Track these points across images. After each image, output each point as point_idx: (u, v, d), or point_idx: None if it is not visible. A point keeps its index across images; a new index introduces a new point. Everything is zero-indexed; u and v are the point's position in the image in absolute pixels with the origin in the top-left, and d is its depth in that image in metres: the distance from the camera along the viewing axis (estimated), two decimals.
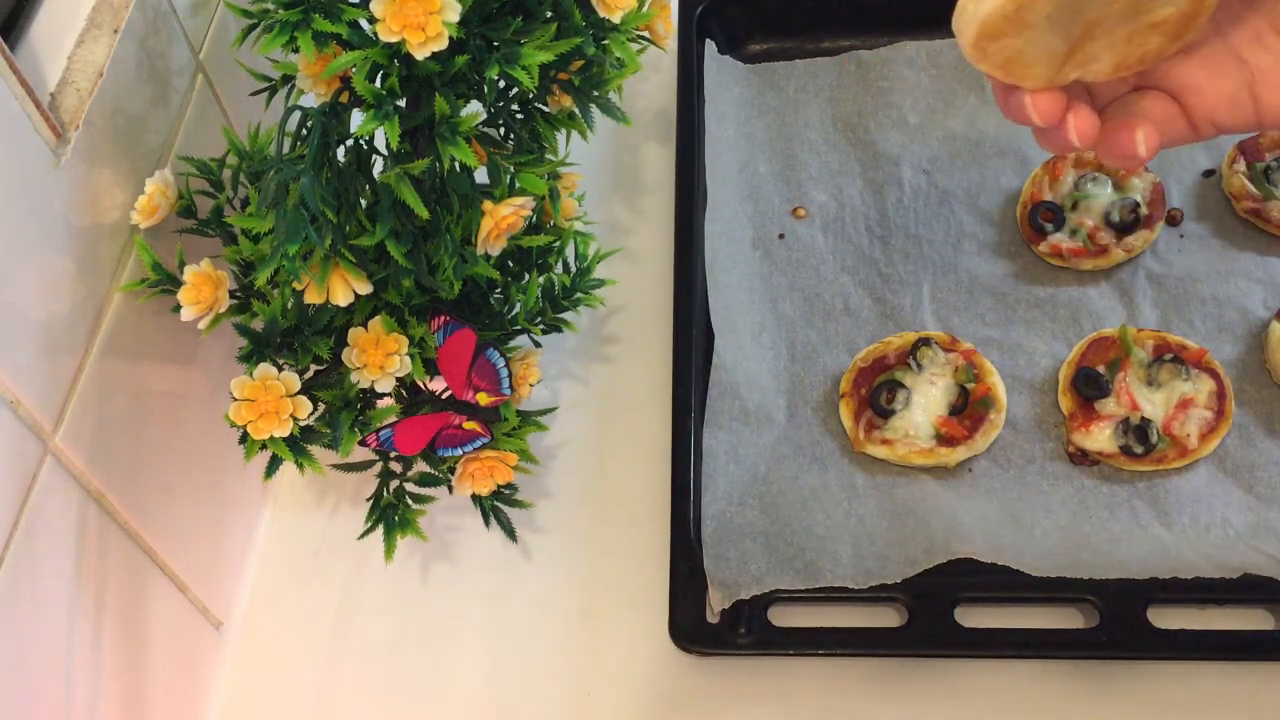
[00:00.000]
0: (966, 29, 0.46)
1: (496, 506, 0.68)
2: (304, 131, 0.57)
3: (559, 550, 0.76)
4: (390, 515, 0.67)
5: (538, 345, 0.70)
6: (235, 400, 0.59)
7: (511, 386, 0.64)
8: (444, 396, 0.66)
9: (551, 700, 0.71)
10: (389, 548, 0.66)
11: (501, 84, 0.60)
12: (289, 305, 0.61)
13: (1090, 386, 0.75)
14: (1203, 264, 0.81)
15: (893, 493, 0.74)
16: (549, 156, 0.63)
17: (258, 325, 0.61)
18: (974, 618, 0.69)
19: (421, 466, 0.68)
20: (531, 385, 0.67)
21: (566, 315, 0.72)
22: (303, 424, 0.60)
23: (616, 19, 0.58)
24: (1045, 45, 0.46)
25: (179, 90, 0.66)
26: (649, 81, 0.95)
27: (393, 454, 0.66)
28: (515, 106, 0.62)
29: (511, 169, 0.60)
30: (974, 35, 0.45)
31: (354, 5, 0.54)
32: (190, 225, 0.63)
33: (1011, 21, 0.44)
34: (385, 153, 0.57)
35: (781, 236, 0.85)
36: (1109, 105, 0.51)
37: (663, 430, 0.76)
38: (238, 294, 0.63)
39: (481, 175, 0.60)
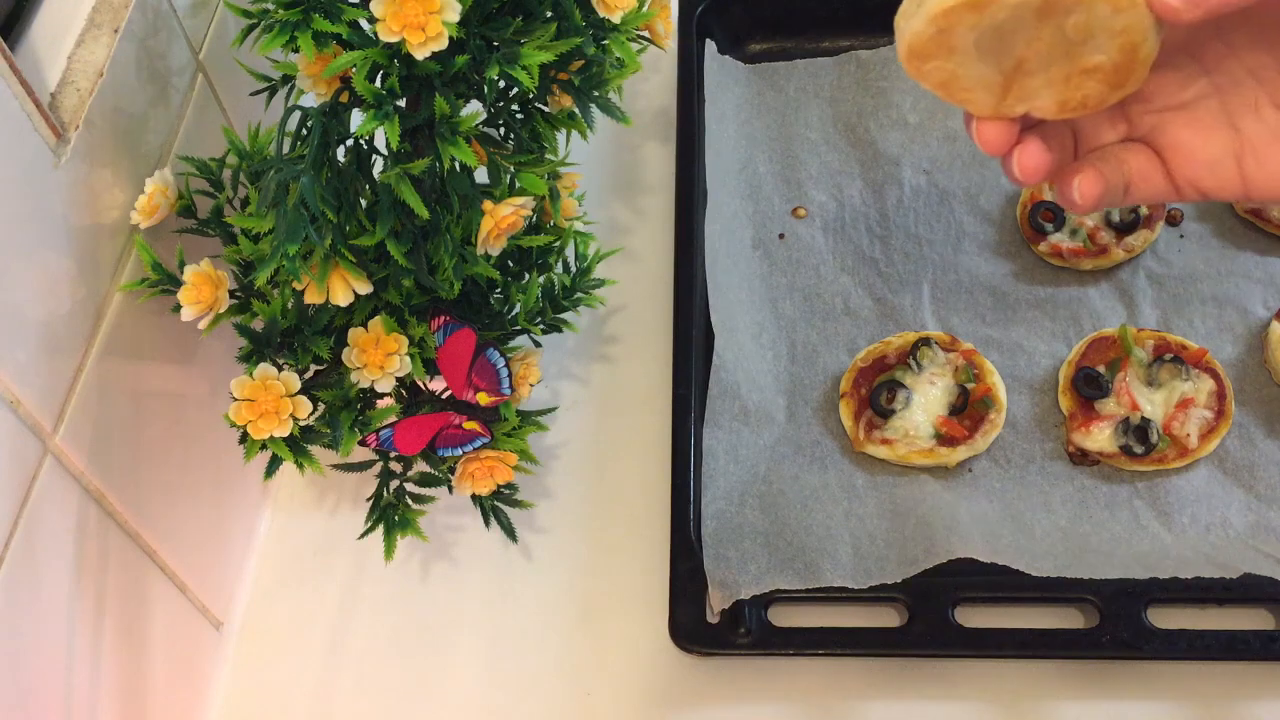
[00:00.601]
0: (899, 46, 0.46)
1: (496, 506, 0.68)
2: (304, 131, 0.57)
3: (559, 550, 0.76)
4: (390, 515, 0.67)
5: (538, 345, 0.70)
6: (235, 400, 0.59)
7: (511, 386, 0.64)
8: (444, 396, 0.66)
9: (551, 700, 0.71)
10: (389, 548, 0.66)
11: (501, 84, 0.60)
12: (289, 305, 0.61)
13: (1090, 386, 0.75)
14: (1203, 264, 0.81)
15: (893, 493, 0.74)
16: (549, 156, 0.63)
17: (258, 325, 0.61)
18: (973, 618, 0.69)
19: (421, 466, 0.68)
20: (531, 385, 0.67)
21: (566, 315, 0.72)
22: (303, 424, 0.60)
23: (616, 19, 0.58)
24: (977, 72, 0.46)
25: (179, 90, 0.66)
26: (649, 81, 0.95)
27: (393, 454, 0.66)
28: (515, 106, 0.62)
29: (511, 169, 0.60)
30: (905, 53, 0.46)
31: (354, 5, 0.54)
32: (190, 225, 0.63)
33: (938, 44, 0.45)
34: (385, 153, 0.57)
35: (782, 236, 0.85)
36: (1093, 150, 0.50)
37: (663, 430, 0.76)
38: (238, 294, 0.63)
39: (481, 175, 0.60)
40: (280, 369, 0.60)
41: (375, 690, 0.72)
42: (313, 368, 0.63)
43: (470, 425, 0.63)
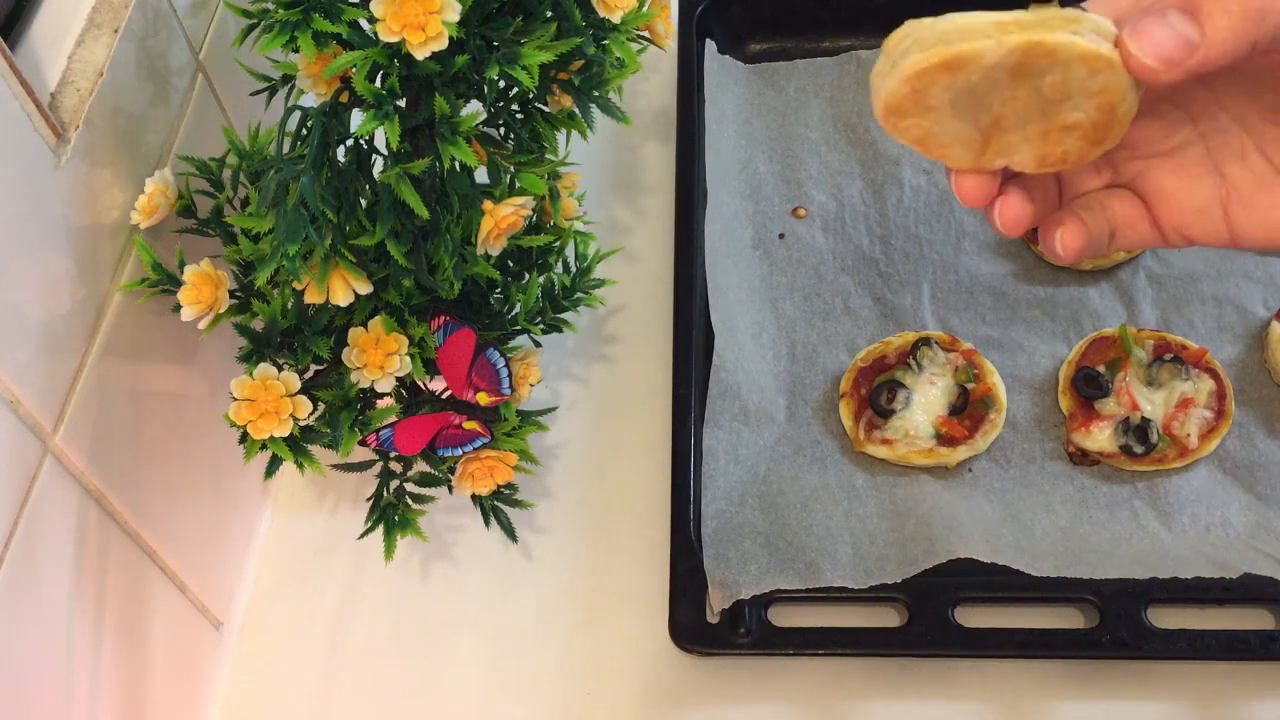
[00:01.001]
0: (874, 103, 0.46)
1: (496, 506, 0.68)
2: (304, 131, 0.57)
3: (559, 550, 0.76)
4: (390, 515, 0.67)
5: (538, 345, 0.70)
6: (235, 400, 0.59)
7: (511, 386, 0.64)
8: (444, 396, 0.66)
9: (551, 700, 0.71)
10: (389, 548, 0.66)
11: (501, 84, 0.60)
12: (289, 305, 0.61)
13: (1090, 386, 0.75)
14: (1202, 264, 0.81)
15: (893, 493, 0.74)
16: (549, 156, 0.63)
17: (258, 325, 0.61)
18: (973, 618, 0.69)
19: (421, 466, 0.68)
20: (531, 385, 0.67)
21: (566, 315, 0.72)
22: (303, 424, 0.60)
23: (616, 19, 0.58)
24: (955, 130, 0.45)
25: (179, 90, 0.66)
26: (649, 81, 0.95)
27: (393, 454, 0.66)
28: (515, 106, 0.62)
29: (511, 169, 0.60)
30: (881, 111, 0.46)
31: (354, 5, 0.54)
32: (190, 225, 0.63)
33: (913, 102, 0.44)
34: (385, 153, 0.57)
35: (782, 236, 0.85)
36: (1078, 197, 0.50)
37: (663, 430, 0.76)
38: (238, 294, 0.63)
39: (481, 175, 0.60)
40: (280, 369, 0.60)
41: (375, 690, 0.72)
42: (313, 368, 0.63)
43: (470, 425, 0.63)
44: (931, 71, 0.43)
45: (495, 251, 0.60)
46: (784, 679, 0.70)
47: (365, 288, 0.59)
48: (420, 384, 0.67)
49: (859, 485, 0.75)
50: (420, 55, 0.51)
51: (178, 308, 0.59)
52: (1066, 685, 0.69)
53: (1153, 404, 0.74)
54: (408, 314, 0.63)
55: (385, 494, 0.67)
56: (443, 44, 0.51)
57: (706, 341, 0.78)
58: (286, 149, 0.57)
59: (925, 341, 0.77)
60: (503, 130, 0.62)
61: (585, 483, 0.79)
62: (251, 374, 0.59)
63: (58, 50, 0.57)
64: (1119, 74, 0.43)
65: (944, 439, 0.74)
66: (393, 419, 0.63)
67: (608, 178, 0.91)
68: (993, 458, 0.75)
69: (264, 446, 0.60)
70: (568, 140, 0.66)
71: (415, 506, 0.68)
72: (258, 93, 0.63)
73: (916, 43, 0.43)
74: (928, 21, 0.44)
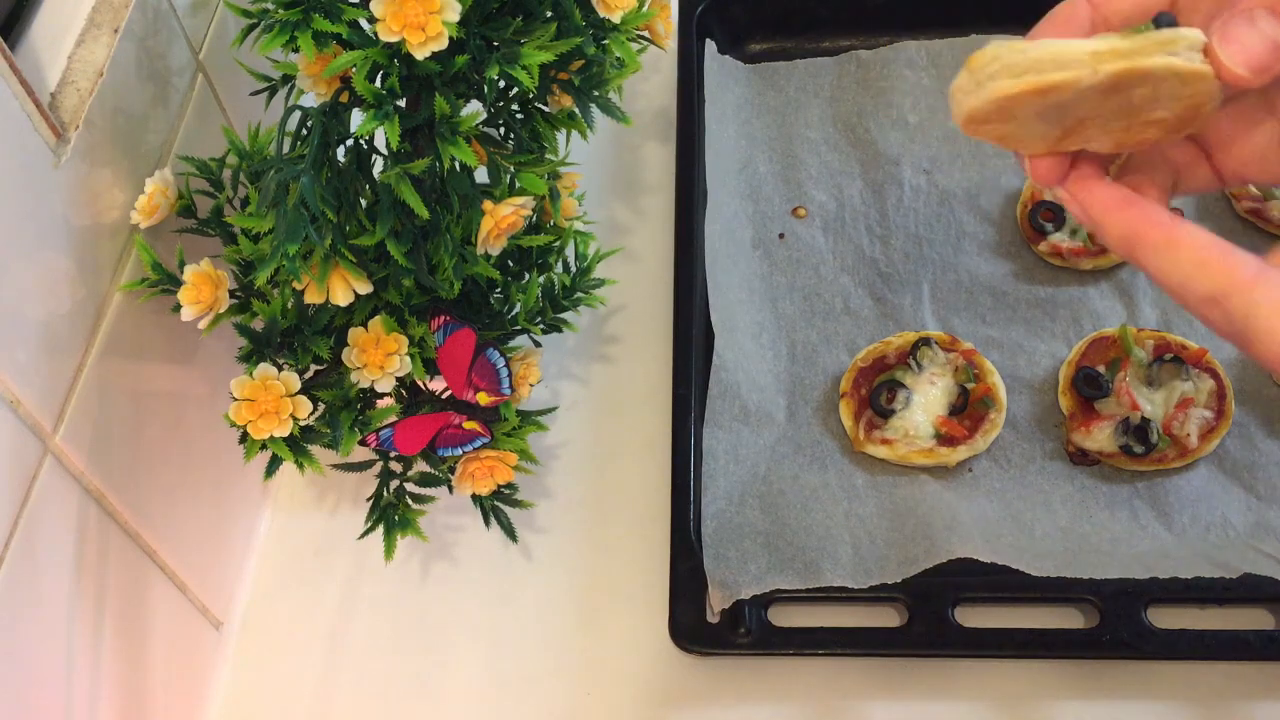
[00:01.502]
0: (957, 112, 0.46)
1: (496, 506, 0.68)
2: (304, 131, 0.57)
3: (559, 550, 0.76)
4: (390, 515, 0.67)
5: (538, 345, 0.70)
6: (235, 400, 0.59)
7: (511, 386, 0.64)
8: (444, 396, 0.66)
9: (551, 700, 0.71)
10: (389, 548, 0.66)
11: (501, 84, 0.60)
12: (289, 305, 0.61)
13: (1090, 386, 0.75)
14: None
15: (893, 493, 0.74)
16: (549, 156, 0.63)
17: (258, 325, 0.61)
18: (974, 618, 0.69)
19: (421, 466, 0.68)
20: (531, 385, 0.67)
21: (566, 315, 0.72)
22: (303, 424, 0.60)
23: (616, 19, 0.58)
24: (1037, 130, 0.46)
25: (179, 90, 0.66)
26: (649, 81, 0.95)
27: (393, 454, 0.66)
28: (515, 106, 0.62)
29: (511, 169, 0.60)
30: (962, 120, 0.46)
31: (354, 5, 0.54)
32: (190, 225, 0.63)
33: (999, 116, 0.45)
34: (385, 153, 0.57)
35: (782, 236, 0.85)
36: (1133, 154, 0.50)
37: (663, 430, 0.76)
38: (238, 294, 0.63)
39: (481, 175, 0.60)
40: (280, 369, 0.60)
41: (375, 690, 0.72)
42: (313, 368, 0.63)
43: (470, 425, 0.63)
44: (1023, 96, 0.43)
45: (495, 251, 0.60)
46: (784, 679, 0.70)
47: (365, 288, 0.59)
48: (420, 384, 0.67)
49: (859, 485, 0.74)
50: (420, 55, 0.51)
51: (178, 308, 0.59)
52: (1066, 685, 0.69)
53: (1153, 404, 0.74)
54: (408, 314, 0.63)
55: (385, 494, 0.67)
56: (443, 44, 0.51)
57: (706, 341, 0.78)
58: (286, 149, 0.57)
59: (925, 341, 0.77)
60: (503, 130, 0.62)
61: (585, 483, 0.79)
62: (251, 374, 0.59)
63: (58, 50, 0.57)
64: (1210, 81, 0.43)
65: (944, 439, 0.74)
66: (393, 419, 0.63)
67: (608, 178, 0.91)
68: (993, 458, 0.75)
69: (264, 446, 0.60)
70: (568, 140, 0.66)
71: (415, 506, 0.68)
72: (258, 93, 0.63)
73: (1006, 68, 0.43)
74: (1019, 45, 0.43)
